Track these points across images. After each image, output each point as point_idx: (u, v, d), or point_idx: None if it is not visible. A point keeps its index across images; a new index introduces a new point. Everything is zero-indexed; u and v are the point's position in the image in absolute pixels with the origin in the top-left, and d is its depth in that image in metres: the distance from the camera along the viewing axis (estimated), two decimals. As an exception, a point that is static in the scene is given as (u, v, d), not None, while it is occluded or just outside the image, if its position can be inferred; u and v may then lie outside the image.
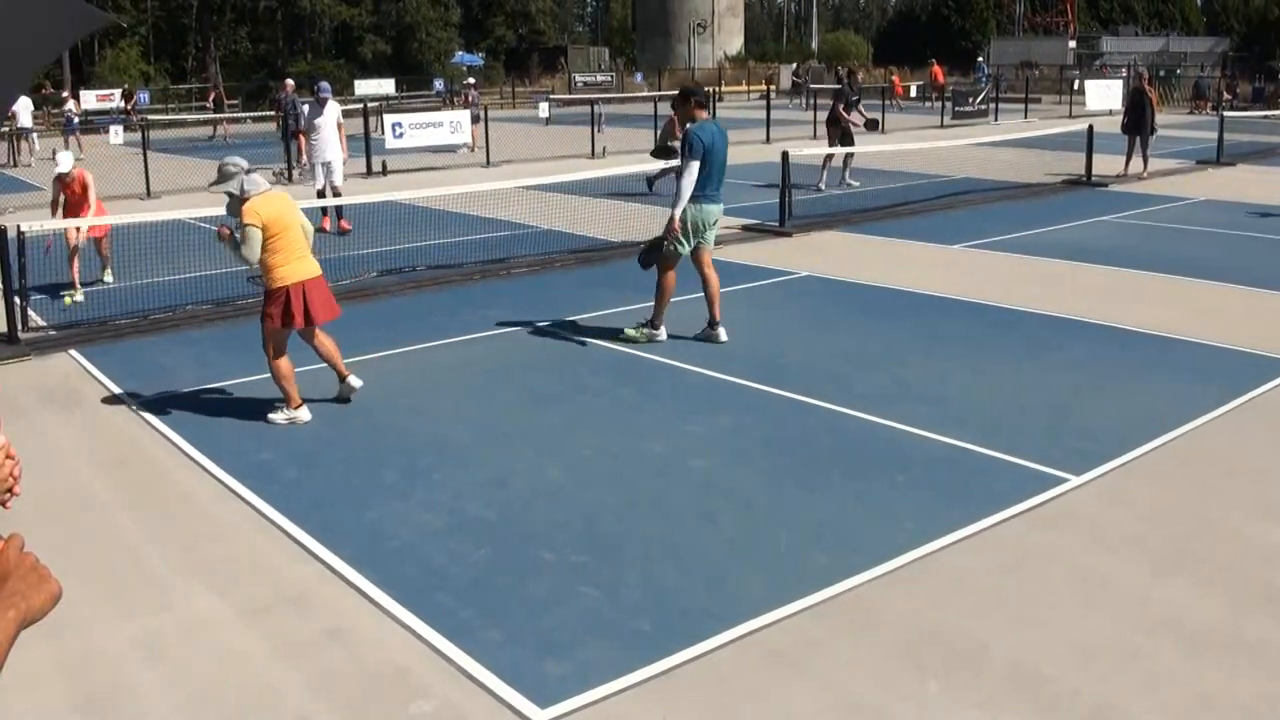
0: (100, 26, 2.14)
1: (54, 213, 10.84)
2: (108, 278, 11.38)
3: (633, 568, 4.85)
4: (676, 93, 8.98)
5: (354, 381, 7.08)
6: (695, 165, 8.00)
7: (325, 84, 14.92)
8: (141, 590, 4.76)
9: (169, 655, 4.24)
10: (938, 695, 3.87)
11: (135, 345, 8.87)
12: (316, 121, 14.12)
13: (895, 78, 40.88)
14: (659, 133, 17.32)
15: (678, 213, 8.10)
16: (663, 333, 8.49)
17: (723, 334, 8.44)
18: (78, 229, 10.64)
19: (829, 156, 17.67)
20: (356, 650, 4.24)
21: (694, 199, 8.12)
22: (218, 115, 31.63)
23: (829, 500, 5.57)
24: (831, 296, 10.31)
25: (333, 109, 14.24)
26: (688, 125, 8.25)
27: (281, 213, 6.65)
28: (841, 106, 18.09)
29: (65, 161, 10.86)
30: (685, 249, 8.30)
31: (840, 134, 18.01)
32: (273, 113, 27.67)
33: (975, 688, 3.90)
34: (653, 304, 8.49)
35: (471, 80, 37.47)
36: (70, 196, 10.80)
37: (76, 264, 10.73)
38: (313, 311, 6.65)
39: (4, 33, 1.84)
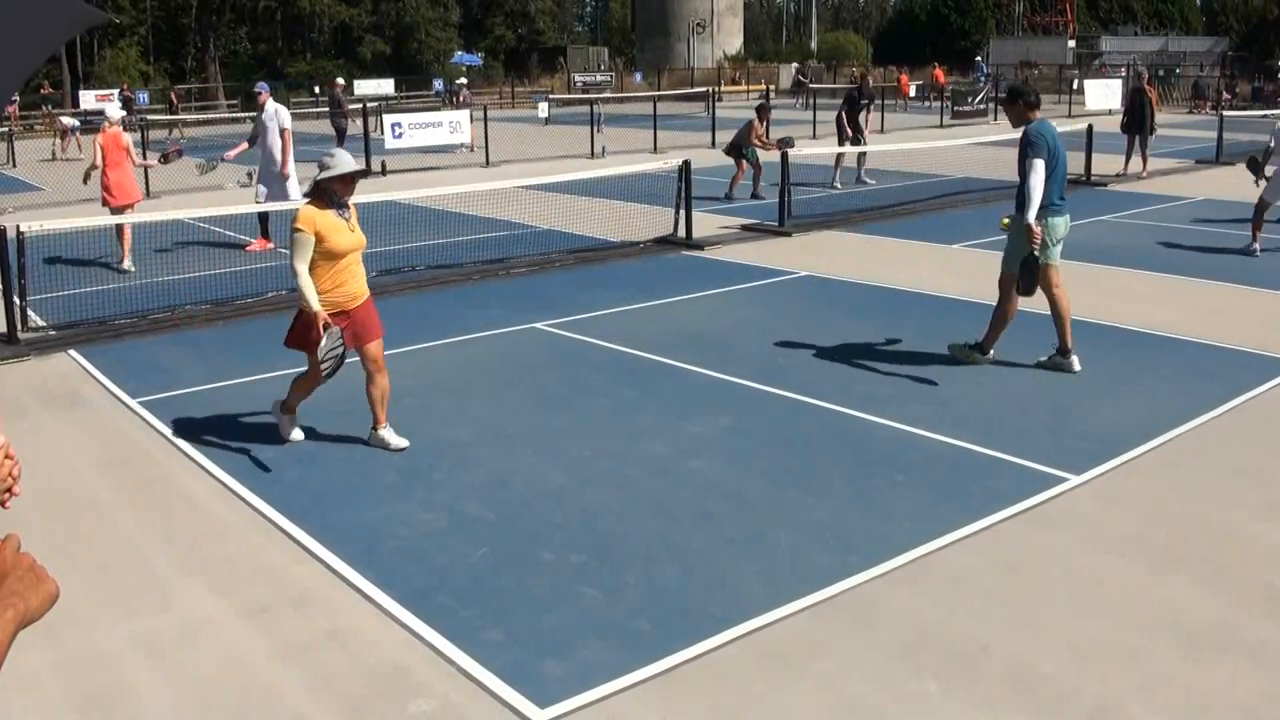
0: (95, 24, 2.14)
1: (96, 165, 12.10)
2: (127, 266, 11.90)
3: (633, 568, 4.85)
4: (1004, 94, 7.87)
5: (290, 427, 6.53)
6: (1041, 165, 7.19)
7: (263, 83, 13.48)
8: (141, 590, 4.76)
9: (169, 655, 4.24)
10: (937, 695, 3.87)
11: (135, 345, 8.87)
12: (258, 129, 12.67)
13: (903, 77, 40.99)
14: (736, 134, 17.05)
15: (1031, 216, 7.24)
16: (990, 358, 7.79)
17: (1076, 363, 7.53)
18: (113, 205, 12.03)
19: (840, 155, 17.72)
20: (356, 650, 4.23)
21: (1040, 209, 7.31)
22: (174, 117, 31.96)
23: (829, 500, 5.57)
24: (831, 296, 10.31)
25: (274, 112, 12.64)
26: (1026, 125, 7.41)
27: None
28: (845, 110, 18.08)
29: (114, 112, 12.77)
30: (1052, 257, 7.50)
31: (854, 133, 17.97)
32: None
33: (974, 688, 3.90)
34: (988, 328, 7.77)
35: (463, 80, 37.53)
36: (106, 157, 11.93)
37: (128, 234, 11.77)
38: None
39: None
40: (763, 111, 17.02)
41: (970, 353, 7.84)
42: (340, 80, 26.23)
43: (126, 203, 12.08)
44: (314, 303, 5.99)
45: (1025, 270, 7.51)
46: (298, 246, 5.99)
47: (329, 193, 6.07)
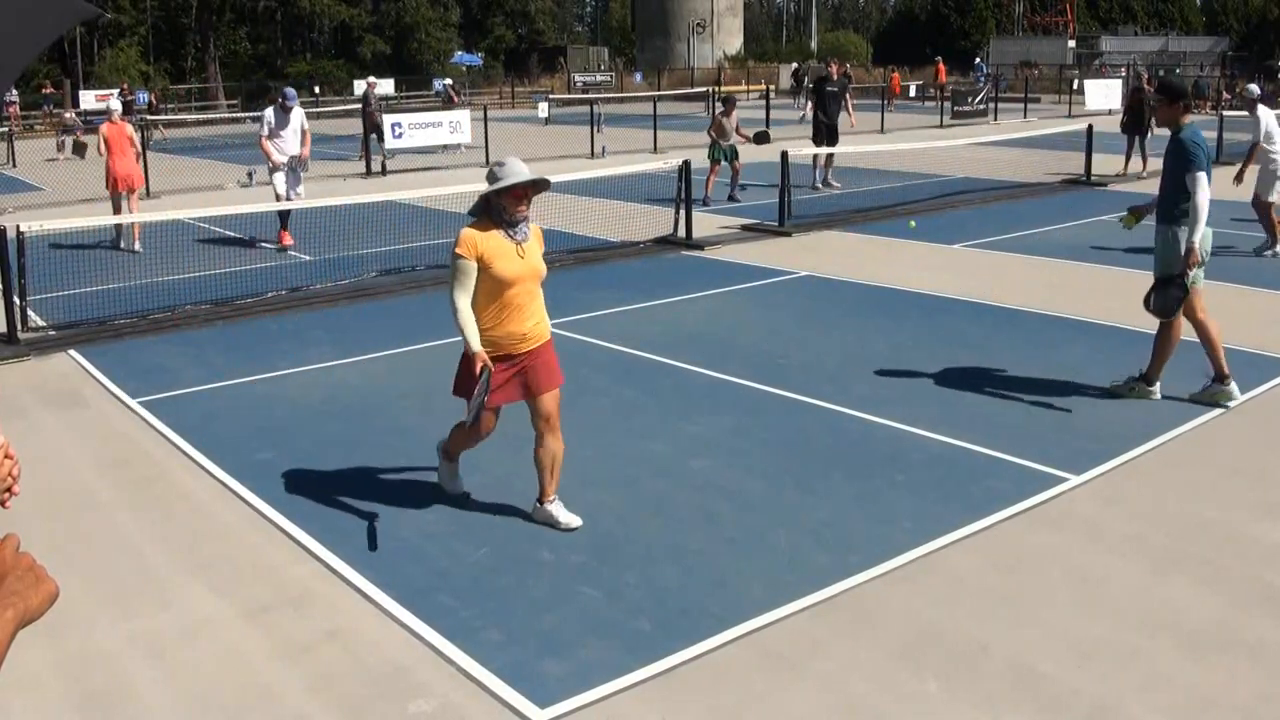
0: (88, 17, 2.13)
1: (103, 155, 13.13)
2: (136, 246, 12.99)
3: (633, 568, 4.85)
4: (1158, 88, 7.12)
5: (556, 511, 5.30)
6: (1206, 179, 6.63)
7: (291, 90, 13.89)
8: (141, 590, 4.76)
9: (169, 655, 4.24)
10: (937, 695, 3.87)
11: (135, 345, 8.87)
12: (283, 131, 13.11)
13: (894, 76, 41.03)
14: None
15: (1197, 238, 6.65)
16: (1158, 390, 7.04)
17: (1235, 389, 6.92)
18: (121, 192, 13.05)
19: (828, 156, 17.60)
20: (356, 650, 4.23)
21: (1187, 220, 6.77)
22: (156, 118, 32.05)
23: (829, 500, 5.57)
24: (831, 296, 10.31)
25: (298, 115, 13.33)
26: (1180, 128, 6.83)
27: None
28: (812, 104, 18.01)
29: (117, 105, 13.74)
30: (1202, 279, 6.91)
31: (827, 132, 17.76)
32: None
33: (974, 688, 3.90)
34: (1151, 357, 7.07)
35: (449, 80, 37.50)
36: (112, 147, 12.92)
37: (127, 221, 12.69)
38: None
39: None
40: (728, 104, 16.73)
41: (1135, 385, 7.12)
42: (373, 79, 26.66)
43: (128, 189, 13.11)
44: (474, 341, 4.95)
45: (1166, 291, 6.87)
46: (457, 275, 4.97)
47: (498, 209, 5.01)
